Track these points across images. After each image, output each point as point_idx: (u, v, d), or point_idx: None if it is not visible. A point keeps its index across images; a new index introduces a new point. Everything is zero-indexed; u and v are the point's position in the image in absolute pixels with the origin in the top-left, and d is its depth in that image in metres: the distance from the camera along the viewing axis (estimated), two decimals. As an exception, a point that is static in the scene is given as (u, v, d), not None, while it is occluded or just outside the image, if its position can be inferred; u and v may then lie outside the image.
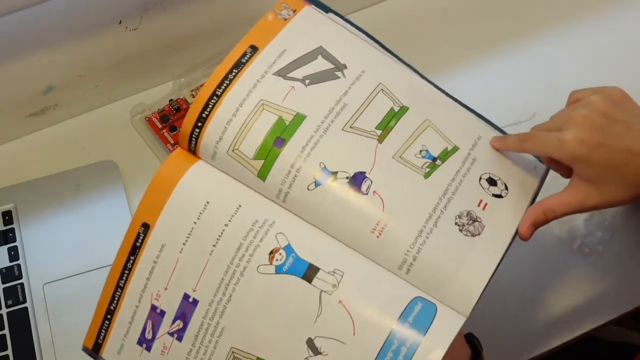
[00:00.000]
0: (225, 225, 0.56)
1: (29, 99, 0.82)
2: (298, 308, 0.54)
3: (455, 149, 0.60)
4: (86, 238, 0.77)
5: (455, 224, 0.56)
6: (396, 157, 0.58)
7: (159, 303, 0.57)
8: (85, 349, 0.60)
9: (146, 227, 0.57)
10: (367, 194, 0.56)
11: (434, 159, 0.59)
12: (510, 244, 0.57)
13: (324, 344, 0.53)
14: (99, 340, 0.60)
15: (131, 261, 0.58)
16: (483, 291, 0.55)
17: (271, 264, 0.54)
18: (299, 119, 0.58)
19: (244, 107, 0.58)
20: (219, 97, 0.59)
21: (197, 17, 0.85)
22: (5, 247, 0.76)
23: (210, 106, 0.58)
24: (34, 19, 0.75)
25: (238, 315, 0.55)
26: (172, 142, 0.82)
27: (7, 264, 0.75)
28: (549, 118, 0.60)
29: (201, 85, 0.86)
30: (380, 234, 0.55)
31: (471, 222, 0.57)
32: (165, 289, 0.57)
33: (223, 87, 0.59)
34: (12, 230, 0.77)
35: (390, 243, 0.55)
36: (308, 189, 0.56)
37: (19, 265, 0.75)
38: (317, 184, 0.56)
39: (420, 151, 0.59)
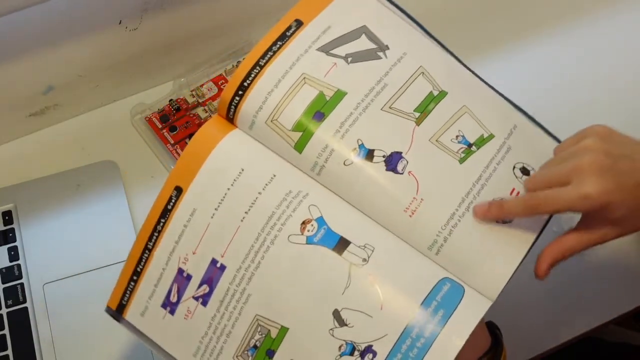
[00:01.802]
0: (259, 193, 0.56)
1: (29, 99, 0.82)
2: (326, 279, 0.54)
3: (491, 136, 0.60)
4: (86, 238, 0.77)
5: None
6: (432, 141, 0.59)
7: (186, 267, 0.57)
8: (108, 310, 0.60)
9: (179, 191, 0.57)
10: (402, 173, 0.57)
11: (470, 145, 0.59)
12: (540, 233, 0.58)
13: (350, 316, 0.53)
14: (123, 302, 0.59)
15: (161, 224, 0.58)
16: (510, 278, 0.55)
17: (302, 234, 0.55)
18: (339, 95, 0.59)
19: (285, 80, 0.59)
20: (261, 67, 0.60)
21: (197, 17, 0.85)
22: (5, 247, 0.76)
23: (252, 76, 0.59)
24: (34, 19, 0.75)
25: (265, 282, 0.55)
26: (172, 142, 0.82)
27: (7, 264, 0.75)
28: (539, 170, 0.59)
29: (201, 85, 0.86)
30: (412, 214, 0.56)
31: None
32: (194, 253, 0.57)
33: (266, 58, 0.60)
34: (12, 230, 0.77)
35: (422, 223, 0.56)
36: (344, 164, 0.57)
37: (19, 265, 0.75)
38: (353, 160, 0.57)
39: (457, 136, 0.60)
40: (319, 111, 0.58)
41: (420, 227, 0.56)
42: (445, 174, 0.58)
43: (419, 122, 0.59)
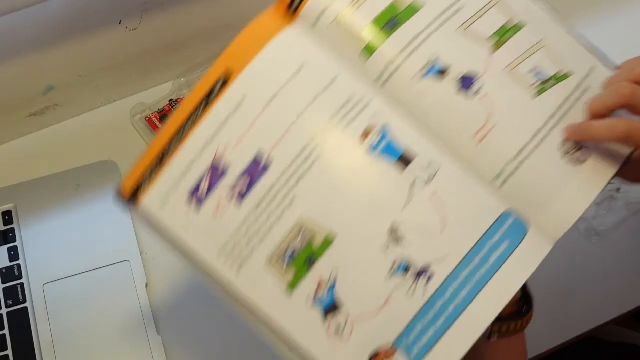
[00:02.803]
0: (319, 93, 0.52)
1: (29, 99, 0.82)
2: (385, 193, 0.50)
3: (568, 74, 0.57)
4: (86, 238, 0.77)
5: (560, 149, 0.54)
6: (507, 70, 0.56)
7: (223, 160, 0.51)
8: (118, 197, 0.53)
9: (228, 74, 0.53)
10: (474, 98, 0.54)
11: (546, 81, 0.56)
12: (611, 179, 0.55)
13: (407, 234, 0.49)
14: (140, 188, 0.52)
15: (203, 106, 0.52)
16: (577, 220, 0.53)
17: (363, 143, 0.51)
18: (413, 8, 0.56)
19: None
20: None
21: (197, 17, 0.85)
22: (5, 247, 0.76)
23: None
24: (34, 19, 0.75)
25: (315, 187, 0.50)
26: (172, 142, 0.82)
27: (7, 264, 0.75)
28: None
29: (201, 85, 0.86)
30: (481, 140, 0.53)
31: (577, 149, 0.54)
32: (235, 146, 0.51)
33: None
34: (12, 230, 0.77)
35: (490, 151, 0.53)
36: (413, 79, 0.54)
37: (19, 265, 0.75)
38: (423, 76, 0.54)
39: (533, 70, 0.57)
40: (393, 19, 0.55)
41: (487, 156, 0.53)
42: (518, 105, 0.55)
43: (494, 49, 0.56)
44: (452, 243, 0.50)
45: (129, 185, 0.53)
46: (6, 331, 0.71)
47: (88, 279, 0.74)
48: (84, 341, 0.71)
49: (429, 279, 0.49)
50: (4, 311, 0.72)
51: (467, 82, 0.55)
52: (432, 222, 0.50)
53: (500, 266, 0.49)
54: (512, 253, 0.50)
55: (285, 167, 0.51)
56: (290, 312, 0.49)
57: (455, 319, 0.48)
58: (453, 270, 0.49)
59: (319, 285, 0.49)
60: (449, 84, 0.54)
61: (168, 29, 0.84)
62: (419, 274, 0.49)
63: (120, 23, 0.80)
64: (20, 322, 0.72)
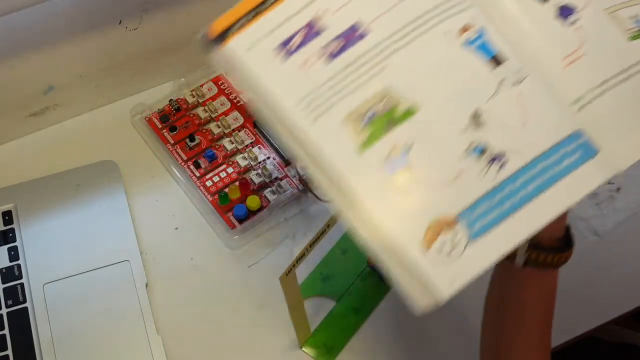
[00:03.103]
0: None
1: (29, 99, 0.83)
2: (475, 82, 0.52)
3: None
4: (86, 238, 0.77)
5: None
6: (607, 12, 0.58)
7: (320, 22, 0.52)
8: (204, 38, 0.53)
9: None
10: (569, 27, 0.57)
11: None
12: None
13: (489, 122, 0.51)
14: (229, 31, 0.53)
15: None
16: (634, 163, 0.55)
17: (460, 36, 0.53)
18: None
19: None
20: None
21: (197, 17, 0.85)
22: (5, 247, 0.76)
23: None
24: (34, 19, 0.75)
25: (408, 62, 0.52)
26: (172, 142, 0.82)
27: (7, 264, 0.75)
28: None
29: (201, 85, 0.86)
30: (569, 65, 0.55)
31: None
32: (335, 12, 0.52)
33: None
34: (12, 230, 0.77)
35: (575, 76, 0.55)
36: None
37: (19, 265, 0.75)
38: None
39: (634, 17, 0.59)
40: None
41: (572, 80, 0.55)
42: (610, 42, 0.57)
43: None
44: (530, 139, 0.52)
45: (219, 25, 0.54)
46: (6, 331, 0.71)
47: (88, 279, 0.74)
48: (84, 341, 0.71)
49: (502, 165, 0.51)
50: (4, 311, 0.72)
51: (565, 12, 0.56)
52: (513, 117, 0.52)
53: (570, 172, 0.51)
54: (581, 165, 0.52)
55: (381, 39, 0.52)
56: (359, 168, 0.50)
57: (521, 207, 0.50)
58: (527, 163, 0.51)
59: (393, 149, 0.50)
60: (549, 9, 0.56)
61: (168, 29, 0.84)
62: (493, 159, 0.51)
63: (120, 23, 0.80)
64: (20, 322, 0.72)
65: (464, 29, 0.54)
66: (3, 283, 0.74)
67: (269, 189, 0.79)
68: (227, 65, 0.52)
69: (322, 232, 0.64)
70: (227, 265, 0.76)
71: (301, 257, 0.63)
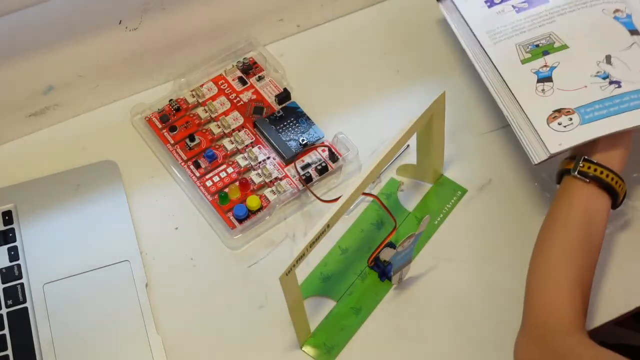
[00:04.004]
0: None
1: (29, 99, 0.83)
2: (615, 39, 0.77)
3: None
4: (86, 238, 0.77)
5: None
6: None
7: None
8: None
9: None
10: None
11: None
12: None
13: (617, 63, 0.75)
14: None
15: None
16: None
17: (613, 13, 0.79)
18: None
19: None
20: None
21: (197, 17, 0.85)
22: (5, 247, 0.76)
23: None
24: (34, 19, 0.75)
25: (571, 20, 0.78)
26: (172, 142, 0.82)
27: (7, 264, 0.75)
28: None
29: (201, 85, 0.86)
30: None
31: None
32: None
33: None
34: (12, 230, 0.77)
35: None
36: None
37: (19, 265, 0.75)
38: None
39: None
40: None
41: None
42: None
43: None
44: None
45: None
46: (6, 331, 0.71)
47: (88, 279, 0.74)
48: (84, 341, 0.71)
49: (618, 86, 0.74)
50: (4, 311, 0.72)
51: None
52: (635, 63, 0.75)
53: None
54: None
55: (557, 5, 0.80)
56: (518, 73, 0.76)
57: (620, 113, 0.71)
58: (636, 90, 0.73)
59: (544, 65, 0.76)
60: None
61: (168, 29, 0.84)
62: (613, 82, 0.74)
63: (120, 23, 0.80)
64: (20, 322, 0.72)
65: (617, 10, 0.79)
66: (3, 283, 0.74)
67: (269, 189, 0.79)
68: (452, 9, 0.83)
69: (322, 232, 0.64)
70: (227, 265, 0.76)
71: (301, 257, 0.63)
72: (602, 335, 0.93)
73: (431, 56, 0.89)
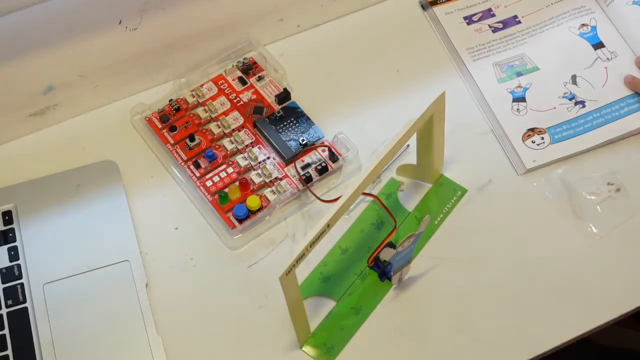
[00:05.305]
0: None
1: (29, 99, 0.83)
2: (579, 58, 0.86)
3: None
4: (86, 238, 0.77)
5: None
6: None
7: (496, 10, 0.91)
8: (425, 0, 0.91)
9: None
10: None
11: None
12: None
13: (581, 82, 0.84)
14: (438, 1, 0.92)
15: None
16: None
17: (578, 30, 0.88)
18: None
19: None
20: None
21: (197, 17, 0.85)
22: (5, 247, 0.76)
23: None
24: (34, 19, 0.75)
25: (538, 43, 0.88)
26: (172, 142, 0.82)
27: (7, 264, 0.75)
28: None
29: (201, 85, 0.86)
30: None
31: None
32: (505, 7, 0.91)
33: None
34: (12, 230, 0.77)
35: None
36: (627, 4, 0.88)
37: (19, 265, 0.75)
38: (635, 5, 0.87)
39: None
40: None
41: None
42: None
43: None
44: (604, 95, 0.83)
45: None
46: (6, 331, 0.71)
47: (88, 279, 0.74)
48: (84, 341, 0.71)
49: (583, 106, 0.83)
50: (4, 311, 0.73)
51: None
52: (597, 80, 0.84)
53: (624, 117, 0.82)
54: (633, 113, 0.82)
55: (526, 28, 0.89)
56: (496, 92, 0.84)
57: (587, 132, 0.81)
58: (597, 108, 0.82)
59: (518, 86, 0.85)
60: None
61: (168, 29, 0.84)
62: (578, 102, 0.83)
63: (120, 23, 0.80)
64: (20, 322, 0.72)
65: (582, 25, 0.88)
66: (3, 283, 0.74)
67: (269, 189, 0.79)
68: (434, 19, 0.91)
69: (322, 232, 0.64)
70: (227, 265, 0.76)
71: (301, 257, 0.63)
72: (602, 336, 0.93)
73: (431, 56, 0.90)
